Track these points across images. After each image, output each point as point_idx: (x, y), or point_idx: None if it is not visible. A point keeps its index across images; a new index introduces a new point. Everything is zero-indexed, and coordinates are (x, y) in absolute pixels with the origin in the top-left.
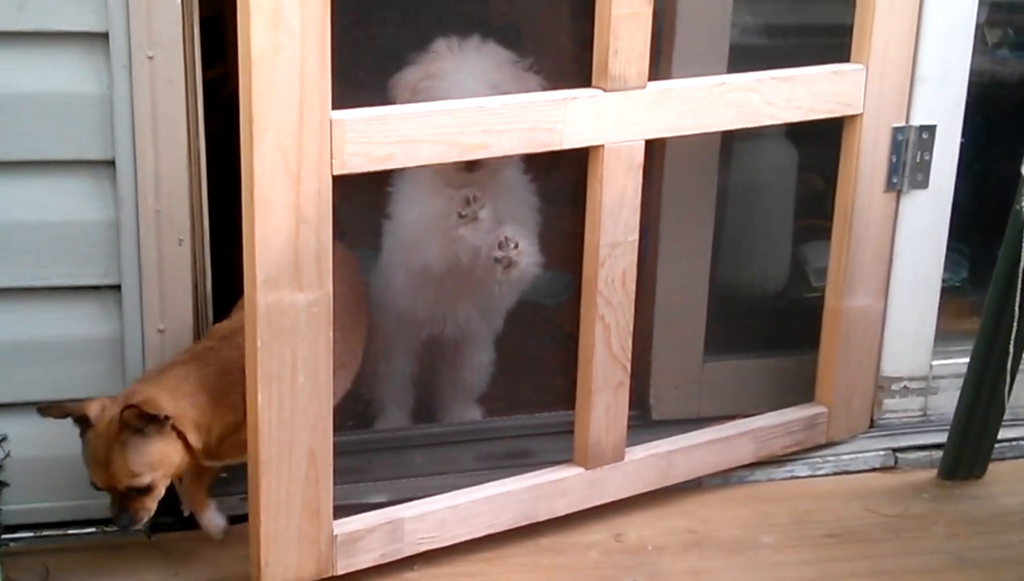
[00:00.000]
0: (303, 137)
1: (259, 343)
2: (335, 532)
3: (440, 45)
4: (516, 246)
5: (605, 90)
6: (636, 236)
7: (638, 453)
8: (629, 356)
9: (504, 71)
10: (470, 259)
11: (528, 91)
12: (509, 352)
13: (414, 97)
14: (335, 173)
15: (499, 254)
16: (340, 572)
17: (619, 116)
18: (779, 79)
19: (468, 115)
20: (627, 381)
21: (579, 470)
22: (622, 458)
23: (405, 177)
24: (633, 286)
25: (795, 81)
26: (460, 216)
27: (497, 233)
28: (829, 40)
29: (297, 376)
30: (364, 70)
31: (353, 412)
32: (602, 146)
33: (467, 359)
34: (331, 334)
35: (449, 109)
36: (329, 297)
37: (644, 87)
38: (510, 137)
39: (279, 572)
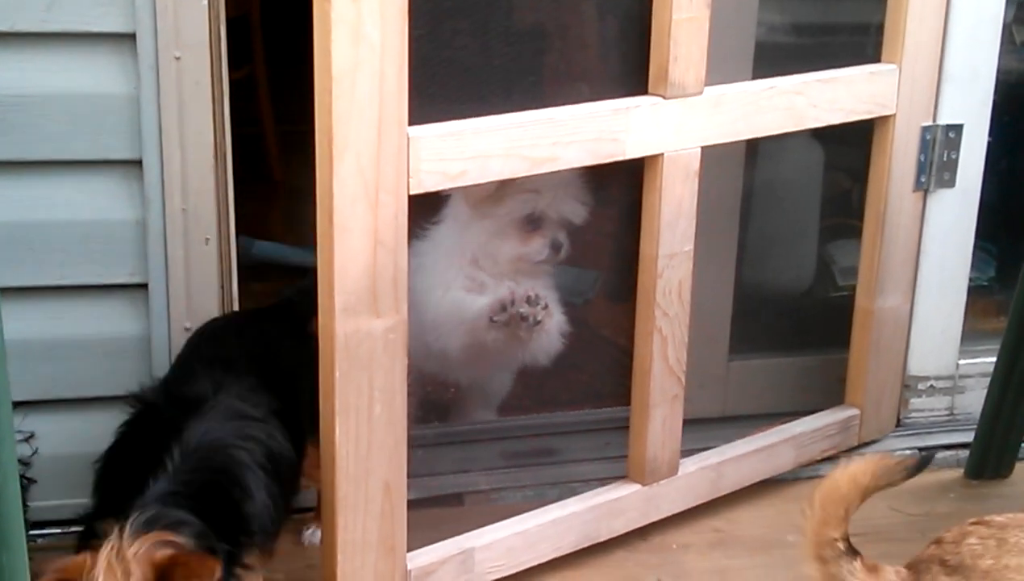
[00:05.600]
0: (381, 157)
1: (337, 374)
2: (409, 567)
3: None
4: (546, 306)
5: (665, 97)
6: (692, 245)
7: (690, 466)
8: (684, 368)
9: None
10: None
11: None
12: None
13: None
14: (411, 193)
15: (525, 310)
16: None
17: (679, 124)
18: (823, 81)
19: (537, 128)
20: (682, 394)
21: (636, 487)
22: (676, 472)
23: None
24: (688, 296)
25: (837, 83)
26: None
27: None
28: (849, 39)
29: (374, 406)
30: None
31: None
32: (661, 155)
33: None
34: (406, 361)
35: (519, 122)
36: (405, 322)
37: (701, 93)
38: (576, 149)
39: None
